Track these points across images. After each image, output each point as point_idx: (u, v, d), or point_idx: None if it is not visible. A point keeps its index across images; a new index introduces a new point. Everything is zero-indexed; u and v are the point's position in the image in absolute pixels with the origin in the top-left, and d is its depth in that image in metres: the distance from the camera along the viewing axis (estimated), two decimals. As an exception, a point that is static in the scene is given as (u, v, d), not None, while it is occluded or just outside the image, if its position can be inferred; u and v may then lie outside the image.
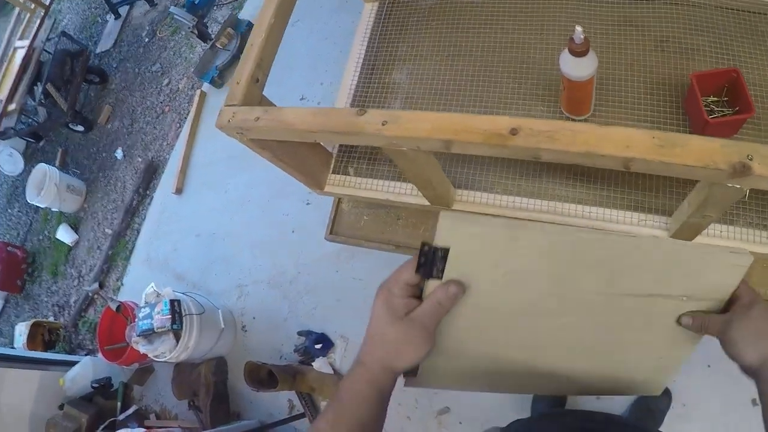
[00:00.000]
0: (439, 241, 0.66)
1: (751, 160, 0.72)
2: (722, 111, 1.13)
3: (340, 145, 1.42)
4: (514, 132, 0.82)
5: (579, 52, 1.03)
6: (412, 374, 0.82)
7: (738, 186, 0.77)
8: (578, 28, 1.00)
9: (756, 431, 1.56)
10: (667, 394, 1.92)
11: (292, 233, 2.84)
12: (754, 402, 1.83)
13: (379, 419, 0.73)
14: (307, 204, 2.83)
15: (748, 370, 0.76)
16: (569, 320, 0.78)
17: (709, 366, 1.92)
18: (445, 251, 0.66)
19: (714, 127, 1.08)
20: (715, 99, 1.14)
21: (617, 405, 2.00)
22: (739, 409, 1.85)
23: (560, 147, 0.80)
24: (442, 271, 0.68)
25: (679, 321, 0.78)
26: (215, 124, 1.13)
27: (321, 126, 0.98)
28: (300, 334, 2.59)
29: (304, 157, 1.32)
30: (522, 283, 0.72)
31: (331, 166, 1.41)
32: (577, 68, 1.06)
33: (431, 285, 0.70)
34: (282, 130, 1.04)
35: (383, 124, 0.92)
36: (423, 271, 0.69)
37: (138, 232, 3.43)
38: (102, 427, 2.67)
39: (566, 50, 1.05)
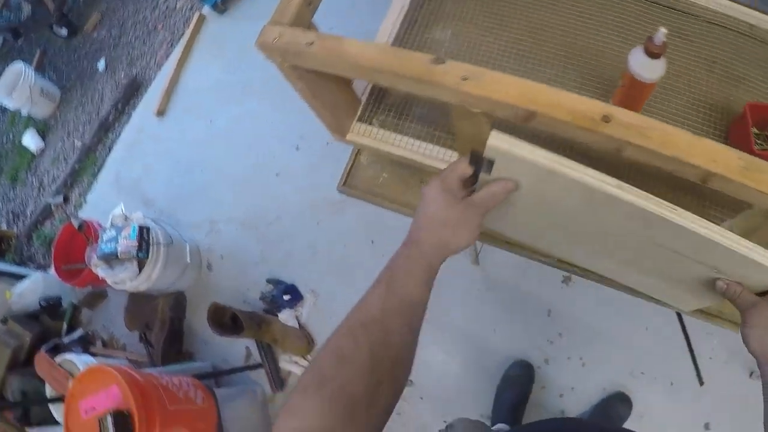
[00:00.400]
0: (487, 154, 0.73)
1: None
2: (762, 145, 1.11)
3: (371, 93, 1.32)
4: (606, 119, 0.75)
5: (655, 54, 0.99)
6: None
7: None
8: (663, 30, 0.96)
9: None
10: (627, 402, 1.94)
11: (276, 176, 2.72)
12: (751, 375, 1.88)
13: (425, 302, 0.76)
14: (297, 149, 2.71)
15: (753, 354, 0.77)
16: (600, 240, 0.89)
17: (672, 384, 1.95)
18: (491, 162, 0.74)
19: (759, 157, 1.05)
20: (757, 132, 1.12)
21: (582, 405, 2.00)
22: (695, 430, 1.88)
23: (650, 146, 0.75)
24: (490, 171, 0.76)
25: (712, 282, 0.80)
26: (255, 42, 1.01)
27: (389, 66, 0.88)
28: (269, 281, 2.50)
29: (335, 98, 1.21)
30: (557, 207, 0.81)
31: (358, 113, 1.30)
32: (648, 69, 1.02)
33: (484, 177, 0.78)
34: (338, 62, 0.93)
35: (463, 79, 0.83)
36: (476, 166, 0.78)
37: (110, 150, 3.24)
38: (46, 348, 2.54)
39: (639, 48, 1.01)
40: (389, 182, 1.37)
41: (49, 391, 2.24)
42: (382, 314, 0.70)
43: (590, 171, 0.70)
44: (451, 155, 1.20)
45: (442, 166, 1.20)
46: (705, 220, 0.68)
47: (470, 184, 0.81)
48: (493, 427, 1.93)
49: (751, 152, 1.00)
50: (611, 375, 2.01)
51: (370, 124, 1.29)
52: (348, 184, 1.40)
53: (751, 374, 1.87)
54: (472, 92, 0.83)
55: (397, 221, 1.26)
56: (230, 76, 3.05)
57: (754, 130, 1.10)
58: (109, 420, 1.56)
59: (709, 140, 0.75)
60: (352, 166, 1.42)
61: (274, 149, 2.77)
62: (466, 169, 0.79)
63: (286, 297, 2.40)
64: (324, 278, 2.46)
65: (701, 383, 1.91)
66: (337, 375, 0.64)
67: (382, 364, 0.67)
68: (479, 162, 0.76)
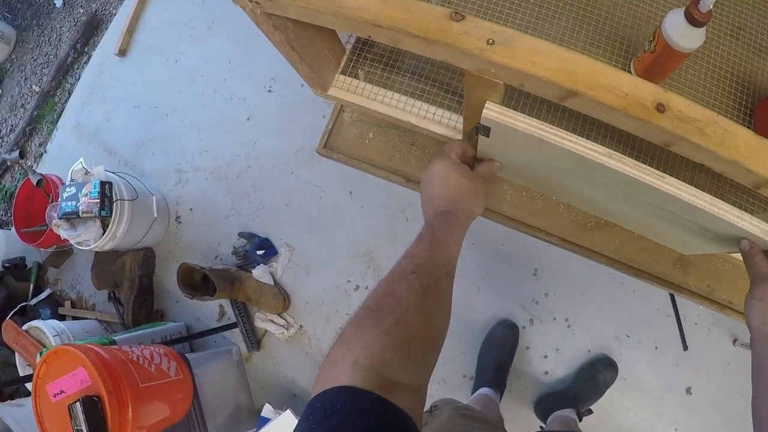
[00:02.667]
0: (484, 122, 0.83)
1: None
2: None
3: (357, 40, 1.14)
4: (661, 108, 0.61)
5: (699, 22, 0.85)
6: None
7: None
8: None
9: (684, 420, 1.63)
10: (613, 367, 1.89)
11: (247, 121, 2.53)
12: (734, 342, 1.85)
13: (456, 258, 0.83)
14: (269, 91, 2.52)
15: (750, 327, 0.80)
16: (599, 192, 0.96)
17: (656, 348, 1.90)
18: (488, 129, 0.85)
19: None
20: None
21: (565, 367, 1.94)
22: (677, 394, 1.85)
23: (708, 144, 0.63)
24: (488, 135, 0.87)
25: (738, 241, 0.83)
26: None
27: (396, 21, 0.71)
28: (241, 235, 2.36)
29: (317, 49, 1.04)
30: (555, 165, 0.90)
31: (342, 64, 1.13)
32: (687, 38, 0.89)
33: (483, 140, 0.92)
34: (326, 13, 0.75)
35: (489, 44, 0.66)
36: (475, 132, 0.90)
37: (69, 94, 3.00)
38: (12, 313, 2.41)
39: (680, 13, 0.87)
40: (376, 144, 1.22)
41: (19, 362, 2.13)
42: (431, 264, 0.75)
43: (581, 141, 0.72)
44: (449, 117, 1.06)
45: (437, 129, 1.06)
46: (694, 189, 0.70)
47: (472, 159, 0.99)
48: (478, 391, 1.86)
49: None
50: (597, 337, 1.94)
51: (355, 77, 1.13)
52: (329, 145, 1.24)
53: (734, 341, 1.83)
54: (500, 61, 0.67)
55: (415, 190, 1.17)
56: (197, 11, 2.80)
57: None
58: (79, 407, 1.45)
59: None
60: (333, 124, 1.25)
61: (244, 91, 2.57)
62: (468, 150, 0.98)
63: (259, 252, 2.27)
64: (299, 232, 2.31)
65: (685, 348, 1.86)
66: (394, 310, 0.66)
67: (433, 306, 0.71)
68: (478, 130, 0.88)
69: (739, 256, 0.84)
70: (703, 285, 1.14)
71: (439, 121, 1.06)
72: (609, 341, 1.91)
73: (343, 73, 1.12)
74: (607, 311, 1.93)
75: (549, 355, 1.96)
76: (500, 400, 1.90)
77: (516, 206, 1.17)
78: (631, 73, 1.00)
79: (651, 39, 0.94)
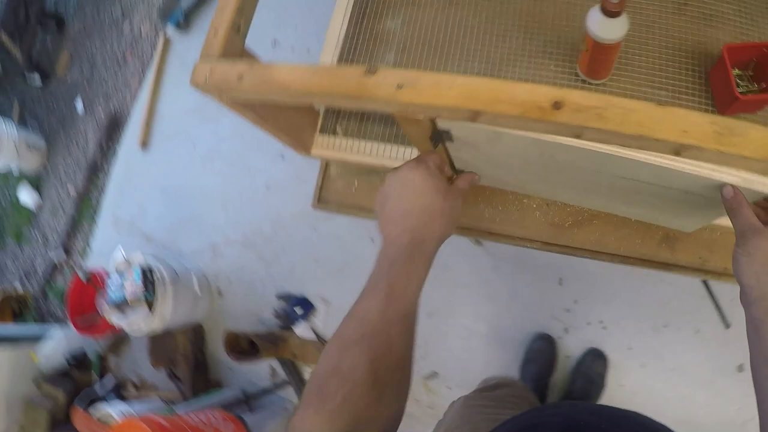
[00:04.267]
0: (442, 127, 0.82)
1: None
2: (747, 86, 1.03)
3: None
4: (557, 106, 0.68)
5: (614, 12, 0.91)
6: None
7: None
8: None
9: (741, 398, 1.77)
10: (601, 357, 1.93)
11: (267, 189, 2.68)
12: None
13: (417, 303, 0.74)
14: (282, 158, 2.66)
15: (742, 285, 0.72)
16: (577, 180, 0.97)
17: (697, 331, 1.91)
18: (448, 132, 0.83)
19: (743, 103, 0.98)
20: (739, 73, 1.04)
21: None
22: (728, 373, 1.86)
23: (610, 127, 0.67)
24: (452, 139, 0.85)
25: (720, 190, 0.76)
26: (189, 82, 0.96)
27: (323, 87, 0.82)
28: (279, 297, 2.47)
29: (290, 116, 1.16)
30: (522, 157, 0.90)
31: (318, 125, 1.25)
32: (609, 30, 0.94)
33: (450, 145, 0.89)
34: (273, 91, 0.88)
35: (398, 88, 0.77)
36: (437, 139, 0.86)
37: (103, 191, 3.21)
38: (80, 402, 2.54)
39: (597, 8, 0.93)
40: (362, 191, 1.32)
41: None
42: (384, 325, 0.67)
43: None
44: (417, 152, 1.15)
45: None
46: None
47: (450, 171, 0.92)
48: None
49: (735, 97, 0.96)
50: (634, 333, 1.97)
51: (334, 133, 1.23)
52: (322, 200, 1.35)
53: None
54: (411, 101, 0.77)
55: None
56: (202, 96, 2.98)
57: (736, 71, 1.03)
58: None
59: (675, 109, 0.67)
60: (323, 180, 1.37)
61: (259, 162, 2.73)
62: (444, 159, 0.85)
63: (298, 310, 2.37)
64: (331, 284, 2.43)
65: (727, 326, 1.87)
66: (338, 392, 0.62)
67: (384, 377, 0.65)
68: (440, 136, 0.84)
69: (725, 222, 0.80)
70: (695, 258, 1.16)
71: (409, 158, 1.15)
72: (648, 335, 1.94)
73: (322, 132, 1.23)
74: (639, 306, 1.97)
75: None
76: None
77: (494, 221, 1.24)
78: (578, 74, 1.08)
79: (583, 39, 0.99)
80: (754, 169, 0.68)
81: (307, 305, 2.40)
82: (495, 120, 0.73)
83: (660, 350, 1.90)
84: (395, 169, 0.80)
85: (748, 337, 0.70)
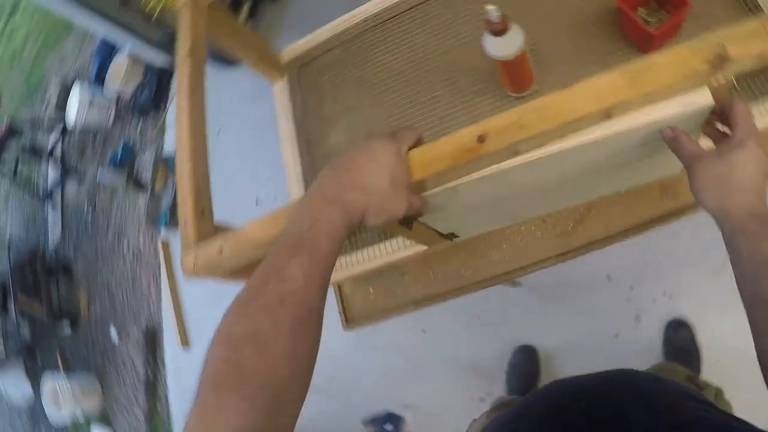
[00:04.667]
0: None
1: (723, 47, 0.64)
2: (657, 18, 1.06)
3: None
4: (481, 139, 0.71)
5: (500, 31, 0.95)
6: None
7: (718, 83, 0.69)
8: (489, 7, 0.92)
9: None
10: (683, 325, 1.90)
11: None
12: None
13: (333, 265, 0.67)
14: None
15: (711, 212, 0.73)
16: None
17: None
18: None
19: (660, 36, 1.00)
20: (644, 9, 1.07)
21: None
22: None
23: (535, 131, 0.70)
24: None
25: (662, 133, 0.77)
26: (183, 275, 1.01)
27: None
28: (366, 424, 2.44)
29: None
30: (486, 197, 0.92)
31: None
32: (505, 47, 0.98)
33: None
34: (250, 249, 0.93)
35: None
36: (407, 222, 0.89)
37: (167, 402, 3.26)
38: None
39: (487, 33, 0.97)
40: (379, 294, 1.34)
41: None
42: (305, 286, 0.61)
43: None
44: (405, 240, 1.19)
45: (405, 253, 1.18)
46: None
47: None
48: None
49: (650, 35, 0.99)
50: (697, 287, 1.94)
51: None
52: (350, 320, 1.37)
53: None
54: None
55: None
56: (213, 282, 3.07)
57: (640, 12, 1.06)
58: None
59: (580, 83, 0.69)
60: (343, 302, 1.39)
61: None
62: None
63: (389, 427, 2.33)
64: (407, 388, 2.40)
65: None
66: (259, 368, 0.55)
67: (303, 344, 0.59)
68: (407, 218, 0.87)
69: (704, 143, 0.78)
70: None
71: (402, 246, 1.18)
72: (711, 281, 1.89)
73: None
74: (686, 260, 1.95)
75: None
76: None
77: (504, 260, 1.25)
78: (509, 94, 1.12)
79: (494, 63, 1.04)
80: (681, 90, 0.69)
81: (395, 419, 2.37)
82: (439, 180, 0.76)
83: (730, 288, 1.82)
84: (366, 138, 0.75)
85: (731, 258, 0.70)
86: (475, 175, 0.78)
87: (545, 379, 2.05)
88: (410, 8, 1.34)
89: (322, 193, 0.69)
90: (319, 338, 0.63)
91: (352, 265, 1.22)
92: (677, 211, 1.15)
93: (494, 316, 2.22)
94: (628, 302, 2.01)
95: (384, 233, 1.21)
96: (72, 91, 4.00)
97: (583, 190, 1.10)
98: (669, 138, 0.76)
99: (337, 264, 1.25)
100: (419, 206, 0.77)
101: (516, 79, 1.07)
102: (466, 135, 0.72)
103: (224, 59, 3.32)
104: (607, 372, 0.81)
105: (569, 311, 2.09)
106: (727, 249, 0.70)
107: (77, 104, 3.88)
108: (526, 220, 1.25)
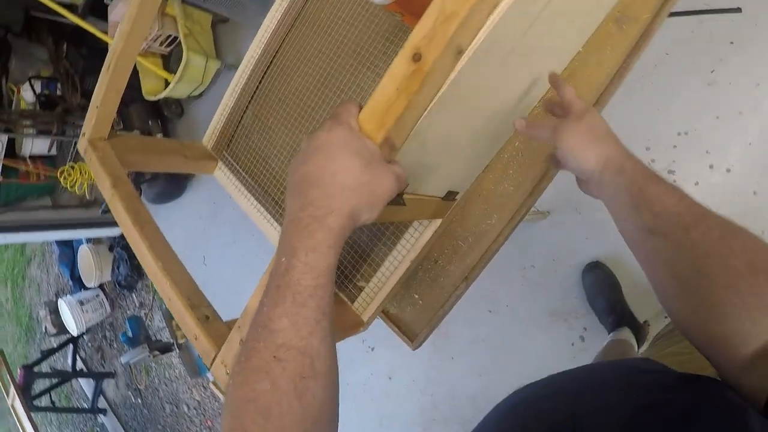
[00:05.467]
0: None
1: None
2: None
3: None
4: (417, 57, 0.62)
5: None
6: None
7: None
8: None
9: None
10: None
11: (389, 379, 2.58)
12: None
13: (332, 302, 0.59)
14: (371, 349, 2.59)
15: (589, 179, 0.77)
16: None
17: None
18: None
19: None
20: None
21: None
22: None
23: (464, 12, 0.61)
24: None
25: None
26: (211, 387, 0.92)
27: None
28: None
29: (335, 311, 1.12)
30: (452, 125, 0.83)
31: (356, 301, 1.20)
32: None
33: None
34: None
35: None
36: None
37: None
38: None
39: None
40: (425, 294, 1.25)
41: None
42: (296, 335, 0.55)
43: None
44: (419, 226, 1.10)
45: (426, 237, 1.09)
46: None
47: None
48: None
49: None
50: (699, 111, 1.83)
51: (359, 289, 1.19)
52: (414, 338, 1.26)
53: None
54: None
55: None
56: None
57: None
58: None
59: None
60: (397, 326, 1.28)
61: (362, 371, 2.64)
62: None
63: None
64: (508, 370, 2.26)
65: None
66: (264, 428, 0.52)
67: (310, 397, 0.54)
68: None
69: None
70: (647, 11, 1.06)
71: (418, 234, 1.10)
72: (707, 93, 1.80)
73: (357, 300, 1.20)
74: (672, 93, 1.85)
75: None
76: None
77: (515, 187, 1.15)
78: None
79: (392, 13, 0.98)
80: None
81: None
82: (403, 127, 0.67)
83: (728, 94, 1.76)
84: (309, 140, 0.63)
85: (614, 216, 0.72)
86: (434, 106, 0.70)
87: (628, 286, 1.93)
88: (289, 29, 1.33)
89: (292, 222, 0.59)
90: (332, 381, 0.58)
91: (379, 287, 1.13)
92: (645, 32, 1.06)
93: (543, 257, 2.11)
94: (673, 148, 1.90)
95: (385, 232, 1.12)
96: (60, 307, 3.97)
97: (548, 64, 1.02)
98: (521, 127, 0.84)
99: (367, 294, 1.16)
100: (403, 171, 0.66)
101: (418, 9, 1.00)
102: (399, 64, 0.63)
103: (166, 195, 3.32)
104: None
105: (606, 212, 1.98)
106: (617, 203, 0.72)
107: (71, 315, 3.86)
108: (511, 134, 1.16)
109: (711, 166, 1.77)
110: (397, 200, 0.82)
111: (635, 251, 0.68)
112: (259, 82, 1.43)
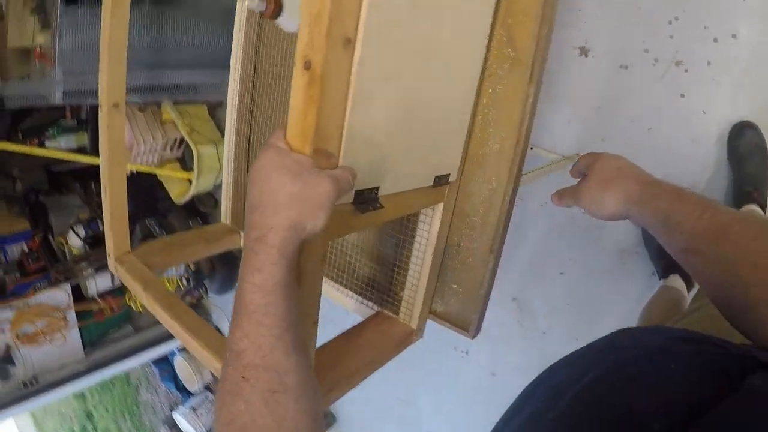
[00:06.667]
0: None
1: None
2: None
3: None
4: (307, 65, 0.63)
5: (276, 10, 0.90)
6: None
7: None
8: (249, 5, 0.87)
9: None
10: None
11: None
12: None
13: (294, 311, 0.61)
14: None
15: (624, 218, 0.78)
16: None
17: None
18: None
19: None
20: None
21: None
22: None
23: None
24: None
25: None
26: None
27: None
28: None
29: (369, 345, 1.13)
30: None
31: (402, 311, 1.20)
32: (293, 15, 0.92)
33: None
34: None
35: None
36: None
37: None
38: None
39: (276, 22, 0.93)
40: (462, 279, 1.22)
41: None
42: (258, 353, 0.57)
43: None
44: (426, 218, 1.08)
45: (436, 227, 1.07)
46: None
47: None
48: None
49: None
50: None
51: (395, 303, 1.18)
52: (468, 326, 1.23)
53: None
54: None
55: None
56: None
57: None
58: None
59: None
60: (449, 322, 1.26)
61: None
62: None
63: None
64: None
65: None
66: None
67: (285, 410, 0.56)
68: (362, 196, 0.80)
69: None
70: None
71: (427, 229, 1.10)
72: None
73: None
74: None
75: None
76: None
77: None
78: None
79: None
80: None
81: None
82: (326, 131, 0.68)
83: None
84: (251, 172, 0.67)
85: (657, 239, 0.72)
86: (357, 99, 0.70)
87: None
88: (252, 89, 1.38)
89: (243, 249, 0.62)
90: (305, 393, 0.59)
91: (415, 289, 1.13)
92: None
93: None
94: (669, 36, 1.82)
95: (401, 237, 1.11)
96: (177, 420, 4.10)
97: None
98: (557, 202, 0.92)
99: (407, 300, 1.15)
100: (345, 172, 0.67)
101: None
102: (296, 77, 0.64)
103: (228, 282, 3.43)
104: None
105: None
106: (657, 230, 0.72)
107: (189, 424, 3.97)
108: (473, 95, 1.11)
109: (715, 40, 1.67)
110: (373, 205, 0.81)
111: (685, 268, 0.69)
112: (249, 145, 1.47)
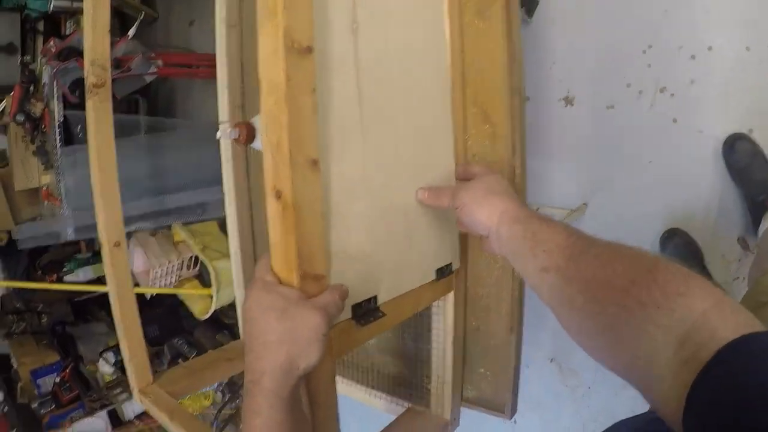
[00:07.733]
0: None
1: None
2: None
3: None
4: (278, 194, 0.63)
5: (249, 136, 0.90)
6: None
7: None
8: (222, 134, 0.86)
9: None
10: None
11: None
12: None
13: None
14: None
15: (489, 235, 0.78)
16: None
17: None
18: None
19: None
20: None
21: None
22: None
23: (284, 119, 0.62)
24: None
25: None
26: None
27: None
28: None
29: None
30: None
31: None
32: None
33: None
34: None
35: None
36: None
37: None
38: None
39: (253, 146, 0.93)
40: (490, 359, 1.19)
41: None
42: None
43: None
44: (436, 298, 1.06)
45: (450, 304, 1.04)
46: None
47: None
48: None
49: None
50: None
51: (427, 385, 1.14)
52: (508, 408, 1.19)
53: None
54: None
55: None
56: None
57: None
58: None
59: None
60: (485, 408, 1.22)
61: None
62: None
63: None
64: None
65: None
66: None
67: None
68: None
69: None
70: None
71: (441, 305, 1.07)
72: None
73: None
74: None
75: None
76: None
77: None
78: None
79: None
80: None
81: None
82: (313, 260, 0.66)
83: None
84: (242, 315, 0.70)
85: (517, 268, 0.73)
86: (334, 216, 0.70)
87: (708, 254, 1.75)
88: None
89: (245, 387, 0.62)
90: None
91: (442, 380, 1.09)
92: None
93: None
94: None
95: (418, 330, 1.09)
96: None
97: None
98: (423, 198, 0.88)
99: (435, 392, 1.11)
100: (333, 295, 0.67)
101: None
102: (270, 208, 0.65)
103: None
104: None
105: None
106: (518, 256, 0.72)
107: None
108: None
109: (693, 57, 1.65)
110: (373, 315, 0.79)
111: (539, 294, 0.67)
112: (255, 257, 1.47)
